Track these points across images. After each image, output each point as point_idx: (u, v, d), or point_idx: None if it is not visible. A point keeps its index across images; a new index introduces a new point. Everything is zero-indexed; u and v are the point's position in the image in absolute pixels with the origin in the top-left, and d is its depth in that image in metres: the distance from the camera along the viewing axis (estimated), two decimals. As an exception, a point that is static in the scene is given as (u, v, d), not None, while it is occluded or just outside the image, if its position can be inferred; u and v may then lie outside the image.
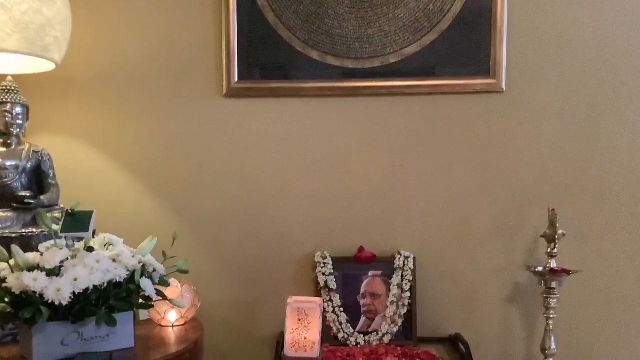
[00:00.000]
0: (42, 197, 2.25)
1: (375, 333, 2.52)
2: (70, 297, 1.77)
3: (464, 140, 2.59)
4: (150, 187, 2.63)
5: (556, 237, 2.38)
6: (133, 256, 1.98)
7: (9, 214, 2.16)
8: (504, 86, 2.54)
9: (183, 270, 2.10)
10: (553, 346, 2.41)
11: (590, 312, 2.59)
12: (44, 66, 2.35)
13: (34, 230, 2.14)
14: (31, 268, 1.83)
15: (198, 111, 2.62)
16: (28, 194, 2.20)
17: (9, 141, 2.25)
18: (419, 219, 2.62)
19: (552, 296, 2.39)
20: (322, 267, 2.54)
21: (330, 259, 2.56)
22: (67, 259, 1.87)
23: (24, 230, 2.13)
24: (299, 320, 2.27)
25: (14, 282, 1.78)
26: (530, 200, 2.57)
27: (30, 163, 2.27)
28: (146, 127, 2.63)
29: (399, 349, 2.40)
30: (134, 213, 2.63)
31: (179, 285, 2.32)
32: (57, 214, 2.19)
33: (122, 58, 2.63)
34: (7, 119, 2.22)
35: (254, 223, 2.64)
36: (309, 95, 2.59)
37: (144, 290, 1.93)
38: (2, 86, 2.26)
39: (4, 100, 2.23)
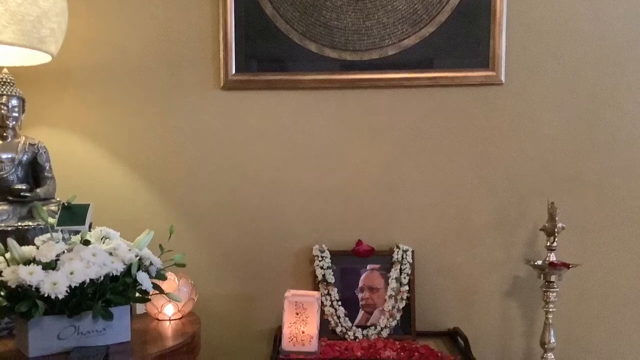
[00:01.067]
0: (38, 190, 2.25)
1: (373, 327, 2.52)
2: (67, 291, 1.78)
3: (463, 133, 2.59)
4: (147, 180, 2.64)
5: (555, 230, 2.37)
6: (130, 250, 1.98)
7: (5, 207, 2.16)
8: (503, 78, 2.54)
9: (180, 264, 2.10)
10: (552, 340, 2.41)
11: (589, 306, 2.60)
12: (40, 58, 2.35)
13: (30, 223, 2.14)
14: (27, 262, 1.84)
15: (195, 104, 2.63)
16: (24, 187, 2.20)
17: (4, 134, 2.25)
18: (417, 212, 2.62)
19: (551, 290, 2.39)
20: (320, 261, 2.54)
21: (328, 252, 2.56)
22: (64, 252, 1.87)
23: (19, 224, 2.13)
24: (297, 314, 2.31)
25: (9, 275, 1.78)
26: (529, 194, 2.57)
27: (26, 156, 2.27)
28: (143, 119, 2.64)
29: (397, 343, 2.41)
30: (131, 206, 2.63)
31: (176, 278, 2.32)
32: (53, 207, 2.19)
33: (118, 50, 2.63)
34: (2, 111, 2.23)
35: (251, 216, 2.64)
36: (307, 87, 2.59)
37: (141, 284, 1.93)
38: (-2, 78, 2.26)
39: (0, 92, 2.23)
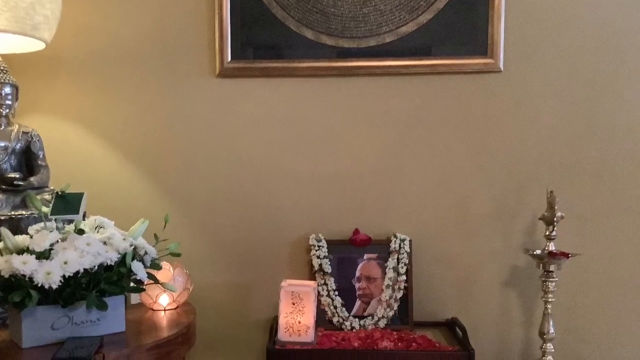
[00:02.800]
0: (31, 178, 2.25)
1: (370, 317, 2.53)
2: (61, 281, 1.78)
3: (461, 121, 2.59)
4: (141, 169, 2.64)
5: (555, 219, 2.37)
6: (124, 239, 1.98)
7: (-2, 195, 2.17)
8: (501, 66, 2.54)
9: (175, 253, 2.11)
10: (551, 330, 2.41)
11: (589, 296, 2.60)
12: (33, 45, 2.34)
13: (24, 212, 2.14)
14: (20, 251, 1.84)
15: (190, 91, 2.63)
16: (17, 176, 2.20)
17: (-3, 122, 2.26)
18: (415, 201, 2.62)
19: (550, 280, 2.39)
20: (316, 250, 2.55)
21: (324, 241, 2.56)
22: (57, 241, 1.88)
23: (13, 213, 2.13)
24: (293, 304, 2.32)
25: (3, 265, 1.79)
26: (528, 182, 2.57)
27: (19, 144, 2.27)
28: (138, 107, 2.64)
29: (394, 333, 2.42)
30: (125, 195, 2.63)
31: (171, 268, 2.32)
32: (47, 196, 2.19)
33: (113, 37, 2.63)
34: (-5, 99, 2.23)
35: (247, 205, 2.65)
36: (303, 75, 2.59)
37: (136, 274, 1.94)
38: (-9, 66, 2.26)
39: (-7, 80, 2.23)
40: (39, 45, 2.34)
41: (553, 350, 2.43)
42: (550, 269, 2.39)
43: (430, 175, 2.61)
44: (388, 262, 2.55)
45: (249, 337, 2.66)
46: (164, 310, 2.31)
